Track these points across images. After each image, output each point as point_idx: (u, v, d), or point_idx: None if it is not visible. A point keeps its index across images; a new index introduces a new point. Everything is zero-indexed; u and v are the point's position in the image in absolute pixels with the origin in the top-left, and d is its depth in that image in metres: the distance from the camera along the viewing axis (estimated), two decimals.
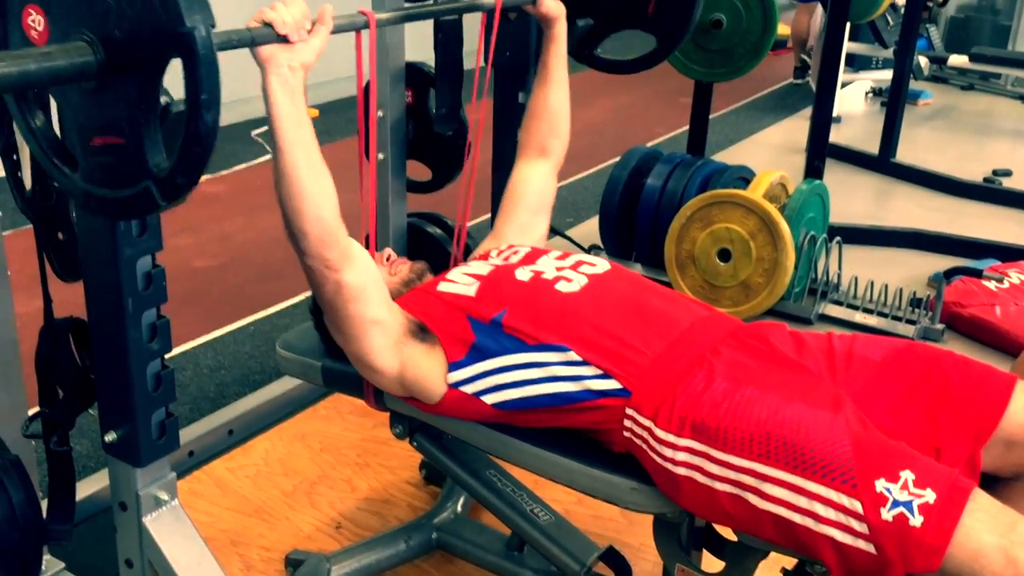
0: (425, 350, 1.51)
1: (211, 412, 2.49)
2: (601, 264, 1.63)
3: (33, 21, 1.13)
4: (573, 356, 1.44)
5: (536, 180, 1.86)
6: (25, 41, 1.15)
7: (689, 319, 1.50)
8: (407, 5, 1.67)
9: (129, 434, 1.48)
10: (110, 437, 1.50)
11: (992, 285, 2.90)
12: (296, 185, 1.32)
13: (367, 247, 1.58)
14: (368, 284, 1.45)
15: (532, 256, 1.65)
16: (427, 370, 1.50)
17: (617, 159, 3.29)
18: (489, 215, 2.27)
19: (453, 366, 1.49)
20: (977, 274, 3.01)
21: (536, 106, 1.89)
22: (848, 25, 3.99)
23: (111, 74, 1.08)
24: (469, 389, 1.49)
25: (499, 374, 1.47)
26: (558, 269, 1.59)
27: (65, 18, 1.10)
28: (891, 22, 5.05)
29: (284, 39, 1.28)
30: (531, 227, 1.84)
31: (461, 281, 1.59)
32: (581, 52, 2.05)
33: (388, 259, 1.74)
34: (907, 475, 1.20)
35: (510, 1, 1.80)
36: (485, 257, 1.71)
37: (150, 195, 1.11)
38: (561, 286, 1.53)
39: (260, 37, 1.28)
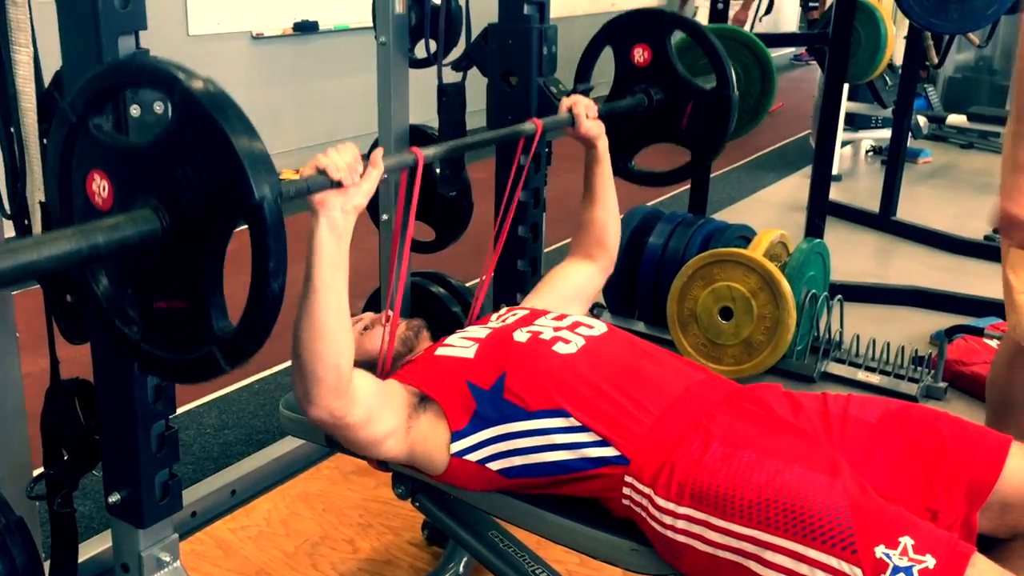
0: (429, 421, 1.51)
1: (214, 472, 2.49)
2: (598, 326, 1.64)
3: (98, 186, 1.14)
4: (572, 421, 1.44)
5: (576, 276, 1.89)
6: (89, 205, 1.15)
7: (684, 383, 1.51)
8: (451, 143, 1.72)
9: (132, 495, 1.49)
10: (114, 498, 1.50)
11: (994, 343, 2.91)
12: (320, 328, 1.32)
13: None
14: (372, 410, 1.44)
15: (530, 317, 1.67)
16: (433, 443, 1.50)
17: (620, 217, 3.32)
18: (486, 276, 2.29)
19: (456, 435, 1.49)
20: (979, 332, 3.03)
21: (583, 220, 1.91)
22: (847, 85, 4.06)
23: (176, 240, 1.08)
24: (473, 457, 1.49)
25: (501, 442, 1.47)
26: (556, 330, 1.60)
27: (130, 184, 1.11)
28: (889, 82, 5.13)
29: (338, 184, 1.31)
30: (559, 309, 1.81)
31: (459, 345, 1.60)
32: (615, 164, 2.10)
33: (386, 319, 1.75)
34: (906, 540, 1.20)
35: (550, 126, 1.84)
36: (484, 321, 1.73)
37: (214, 359, 1.11)
38: (559, 347, 1.55)
39: (315, 185, 1.30)
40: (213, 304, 1.09)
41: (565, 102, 1.86)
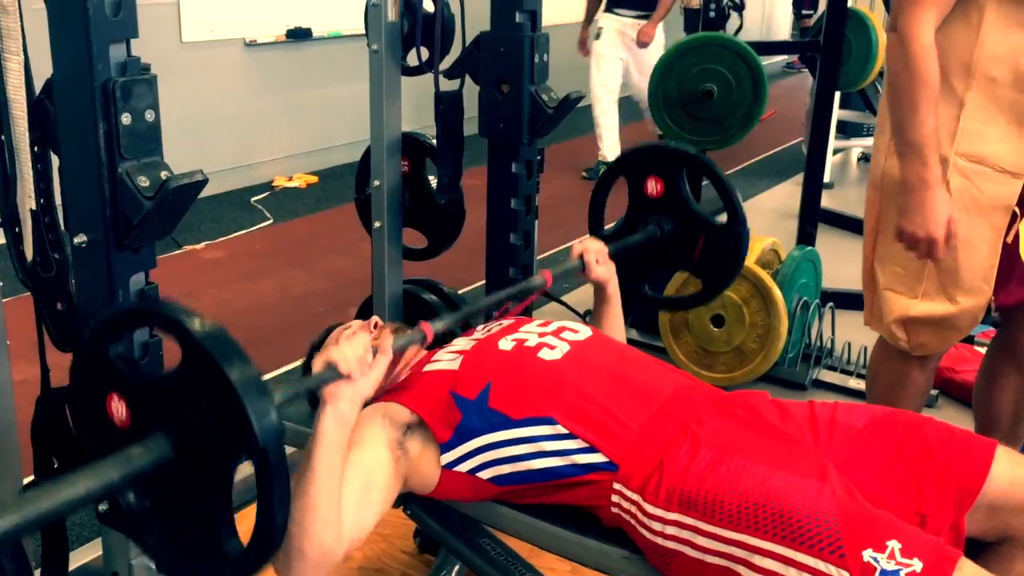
0: (418, 442, 1.51)
1: None
2: (583, 331, 1.65)
3: (116, 408, 1.21)
4: (559, 428, 1.44)
5: None
6: (108, 422, 1.22)
7: (671, 388, 1.51)
8: (461, 313, 1.74)
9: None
10: (103, 506, 1.50)
11: (984, 351, 2.92)
12: (312, 506, 1.31)
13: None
14: (360, 524, 1.40)
15: (515, 325, 1.67)
16: (424, 462, 1.50)
17: (612, 224, 3.33)
18: (483, 282, 2.29)
19: (443, 447, 1.49)
20: (970, 340, 3.04)
21: None
22: (838, 93, 4.07)
23: (187, 465, 1.14)
24: (463, 468, 1.49)
25: (489, 451, 1.47)
26: (540, 336, 1.60)
27: (146, 410, 1.18)
28: (881, 90, 5.15)
29: (345, 376, 1.32)
30: None
31: (445, 359, 1.61)
32: (630, 290, 2.11)
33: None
34: (894, 544, 1.20)
35: (560, 275, 1.86)
36: (470, 333, 1.73)
37: (224, 573, 1.18)
38: (544, 354, 1.55)
39: (325, 379, 1.33)
40: (222, 525, 1.15)
41: (576, 248, 1.88)
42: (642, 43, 5.56)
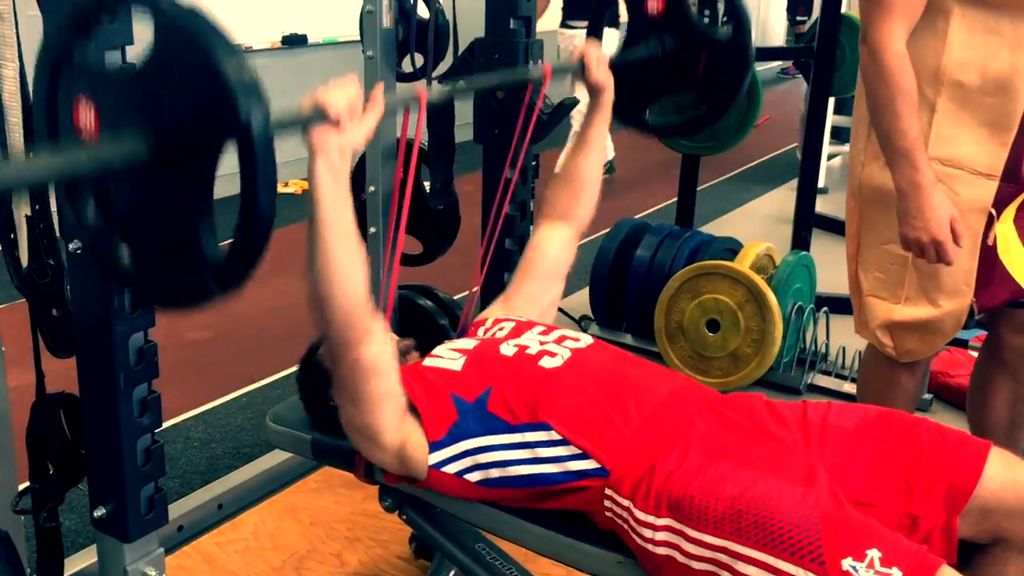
0: (415, 426, 1.52)
1: (201, 486, 2.48)
2: (584, 339, 1.65)
3: (84, 112, 1.12)
4: (553, 435, 1.45)
5: (554, 247, 1.84)
6: (74, 133, 1.13)
7: (666, 390, 1.52)
8: (457, 84, 1.69)
9: (118, 509, 1.48)
10: (99, 512, 1.50)
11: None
12: (332, 271, 1.32)
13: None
14: (384, 358, 1.45)
15: (518, 330, 1.67)
16: (415, 446, 1.51)
17: (607, 230, 3.34)
18: (477, 288, 2.30)
19: (433, 446, 1.50)
20: (963, 344, 3.05)
21: (567, 171, 1.87)
22: (832, 99, 4.09)
23: (163, 165, 1.06)
24: (451, 469, 1.50)
25: (480, 454, 1.48)
26: (542, 344, 1.61)
27: (115, 109, 1.09)
28: None
29: (334, 122, 1.28)
30: (542, 295, 1.83)
31: (447, 356, 1.61)
32: (630, 118, 2.05)
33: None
34: (873, 553, 1.21)
35: (560, 70, 1.80)
36: (472, 333, 1.74)
37: (205, 287, 1.09)
38: (545, 362, 1.55)
39: (311, 120, 1.27)
40: (203, 230, 1.07)
41: (577, 50, 1.84)
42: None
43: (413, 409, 1.52)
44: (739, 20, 2.04)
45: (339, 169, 1.30)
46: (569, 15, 5.68)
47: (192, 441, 2.82)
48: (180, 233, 1.09)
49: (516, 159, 1.90)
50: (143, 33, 1.08)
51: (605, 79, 1.83)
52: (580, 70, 1.82)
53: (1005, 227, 1.87)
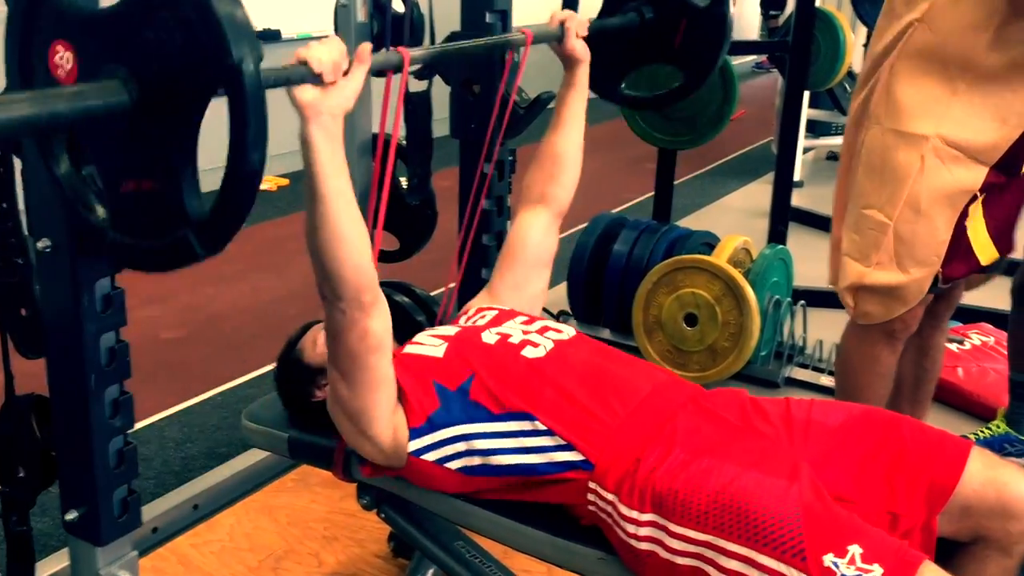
0: (402, 414, 1.50)
1: (176, 486, 2.45)
2: (567, 331, 1.64)
3: (61, 59, 1.06)
4: (538, 425, 1.44)
5: (535, 233, 1.80)
6: (51, 80, 1.08)
7: (650, 385, 1.51)
8: (438, 47, 1.67)
9: (90, 512, 1.46)
10: (71, 516, 1.47)
11: (954, 347, 2.95)
12: (338, 234, 1.31)
13: None
14: (388, 336, 1.44)
15: (500, 319, 1.66)
16: (402, 433, 1.49)
17: (584, 225, 3.33)
18: (455, 284, 2.28)
19: (414, 432, 1.48)
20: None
21: (543, 150, 1.83)
22: (807, 93, 4.10)
23: (146, 113, 1.00)
24: (430, 456, 1.48)
25: (461, 442, 1.47)
26: (524, 333, 1.59)
27: (96, 54, 1.03)
28: (849, 89, 5.19)
29: (319, 79, 1.24)
30: (527, 284, 1.79)
31: (428, 343, 1.59)
32: (605, 88, 2.02)
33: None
34: (855, 549, 1.21)
35: (539, 37, 1.76)
36: (456, 322, 1.72)
37: (188, 244, 1.04)
38: (527, 351, 1.54)
39: (296, 76, 1.23)
40: (186, 184, 1.02)
41: (557, 15, 1.79)
42: None
43: (399, 394, 1.50)
44: None
45: (333, 132, 1.29)
46: None
47: (167, 441, 2.79)
48: (162, 186, 1.03)
49: (494, 154, 1.89)
50: None
51: (582, 52, 1.80)
52: (559, 36, 1.78)
53: (977, 206, 1.91)
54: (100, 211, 1.15)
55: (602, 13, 2.10)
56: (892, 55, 1.90)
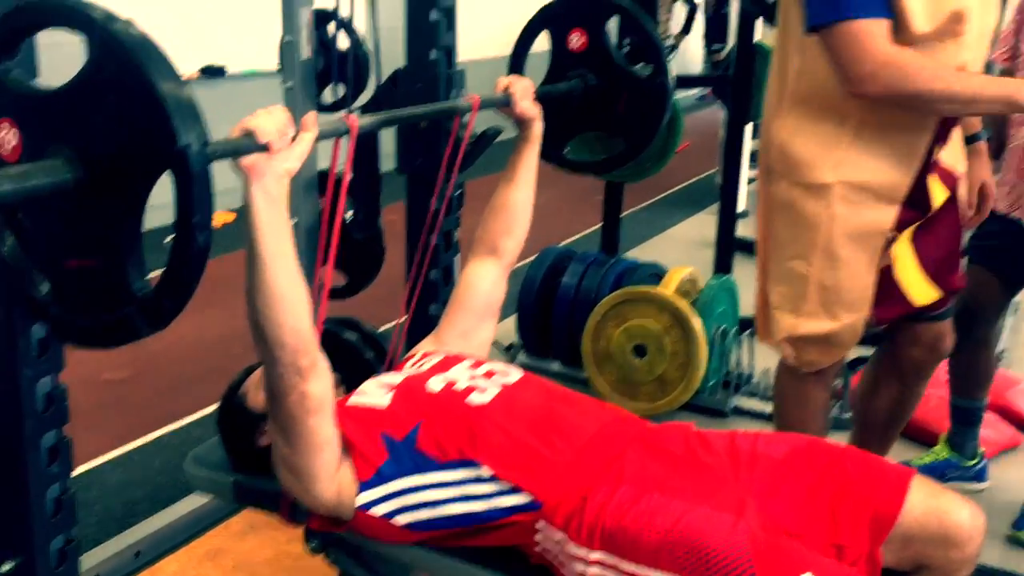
0: (348, 469, 1.48)
1: (118, 532, 2.39)
2: (513, 374, 1.63)
3: (5, 136, 1.06)
4: (482, 472, 1.43)
5: (484, 282, 1.82)
6: None
7: (597, 423, 1.51)
8: (387, 114, 1.69)
9: (26, 563, 1.41)
10: (6, 567, 1.42)
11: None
12: (277, 297, 1.29)
13: None
14: (328, 397, 1.42)
15: (446, 364, 1.65)
16: (348, 488, 1.47)
17: (533, 258, 3.34)
18: (404, 319, 2.27)
19: (362, 486, 1.46)
20: None
21: (497, 203, 1.85)
22: (750, 124, 4.17)
23: (91, 193, 1.00)
24: (378, 511, 1.46)
25: (409, 494, 1.45)
26: (471, 378, 1.58)
27: (42, 133, 1.03)
28: None
29: (265, 148, 1.25)
30: (474, 332, 1.81)
31: (373, 393, 1.57)
32: (548, 153, 2.05)
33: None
34: None
35: (487, 103, 1.80)
36: (399, 367, 1.70)
37: (131, 322, 1.04)
38: (473, 397, 1.53)
39: (243, 147, 1.23)
40: (131, 262, 1.02)
41: (502, 81, 1.83)
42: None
43: (345, 448, 1.48)
44: (657, 61, 2.08)
45: (275, 195, 1.28)
46: None
47: (108, 486, 2.72)
48: (106, 264, 1.03)
49: (443, 190, 1.88)
50: (78, 51, 1.02)
51: (532, 111, 1.84)
52: (505, 102, 1.82)
53: (902, 247, 1.93)
54: (43, 287, 1.14)
55: (548, 79, 2.14)
56: (782, 107, 1.92)
